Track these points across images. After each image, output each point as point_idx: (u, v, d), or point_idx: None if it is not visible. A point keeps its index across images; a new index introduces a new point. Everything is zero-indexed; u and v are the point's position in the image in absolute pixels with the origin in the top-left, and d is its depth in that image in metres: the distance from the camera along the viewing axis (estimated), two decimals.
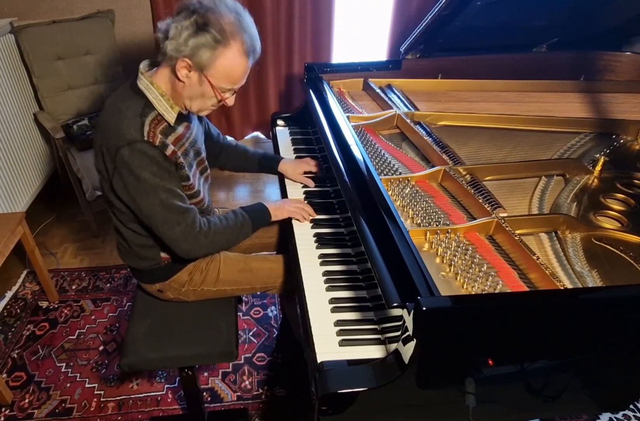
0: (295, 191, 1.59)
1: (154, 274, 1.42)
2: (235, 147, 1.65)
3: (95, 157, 1.26)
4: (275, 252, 1.73)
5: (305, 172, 1.65)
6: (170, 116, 1.22)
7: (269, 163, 1.66)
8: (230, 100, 1.25)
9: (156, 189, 1.18)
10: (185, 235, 1.24)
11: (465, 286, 1.06)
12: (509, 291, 1.03)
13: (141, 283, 1.48)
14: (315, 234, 1.39)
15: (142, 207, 1.21)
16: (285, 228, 1.46)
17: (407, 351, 0.89)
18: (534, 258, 1.06)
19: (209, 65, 1.13)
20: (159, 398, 1.79)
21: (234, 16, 1.12)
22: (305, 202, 1.50)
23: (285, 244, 1.48)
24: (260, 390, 1.82)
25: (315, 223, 1.44)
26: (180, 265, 1.42)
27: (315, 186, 1.61)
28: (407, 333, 0.89)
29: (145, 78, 1.20)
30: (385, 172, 1.42)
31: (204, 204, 1.40)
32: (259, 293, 2.18)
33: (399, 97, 1.83)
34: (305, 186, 1.61)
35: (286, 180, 1.65)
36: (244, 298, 2.22)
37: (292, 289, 1.41)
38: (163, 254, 1.39)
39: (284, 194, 1.60)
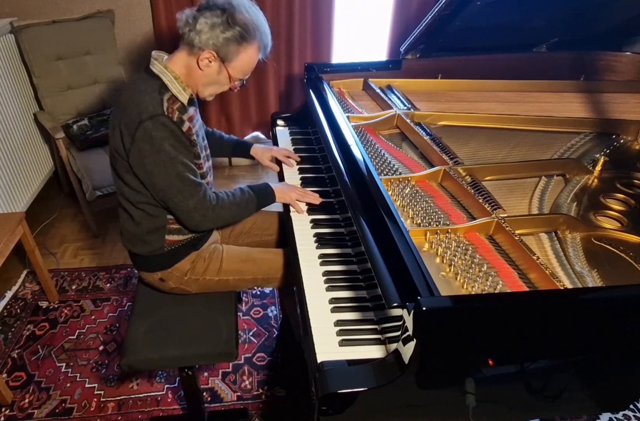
0: (288, 172, 1.61)
1: (156, 262, 1.43)
2: (212, 132, 1.70)
3: (111, 135, 1.30)
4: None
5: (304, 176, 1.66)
6: (183, 97, 1.30)
7: (242, 147, 1.75)
8: (237, 88, 1.38)
9: (174, 161, 1.24)
10: (197, 207, 1.30)
11: (465, 286, 1.06)
12: (509, 291, 1.03)
13: (142, 271, 1.48)
14: (315, 234, 1.39)
15: (158, 180, 1.26)
16: (286, 227, 1.46)
17: (407, 351, 0.89)
18: (534, 258, 1.06)
19: (231, 58, 1.27)
20: (159, 398, 1.79)
21: (254, 15, 1.26)
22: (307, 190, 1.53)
23: (285, 242, 1.48)
24: (260, 390, 1.82)
25: (315, 223, 1.44)
26: (182, 253, 1.44)
27: (315, 186, 1.61)
28: (407, 333, 0.89)
29: (159, 63, 1.29)
30: (385, 172, 1.42)
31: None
32: (259, 288, 2.19)
33: (398, 97, 1.83)
34: (305, 185, 1.61)
35: (286, 180, 1.65)
36: (243, 298, 2.22)
37: (292, 283, 1.41)
38: (168, 237, 1.40)
39: None
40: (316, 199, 1.48)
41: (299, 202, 1.48)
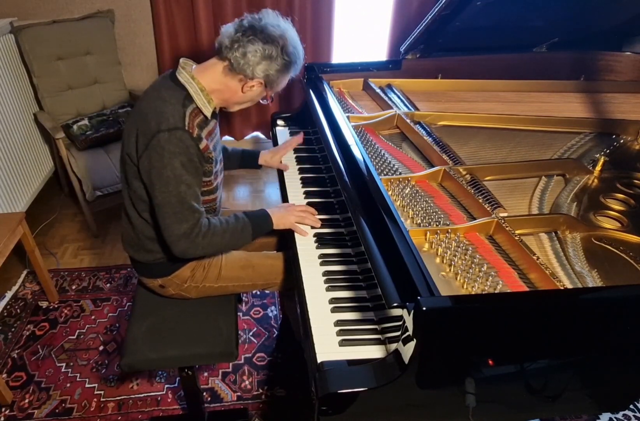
0: (295, 191, 1.59)
1: (156, 269, 1.42)
2: None
3: (124, 142, 1.28)
4: (275, 250, 1.73)
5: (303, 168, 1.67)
6: (207, 110, 1.28)
7: (249, 157, 1.71)
8: (270, 103, 1.40)
9: (178, 180, 1.21)
10: (187, 233, 1.25)
11: (465, 286, 1.06)
12: (509, 291, 1.03)
13: (143, 277, 1.48)
14: (315, 234, 1.39)
15: (158, 195, 1.22)
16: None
17: (407, 351, 0.89)
18: (534, 258, 1.06)
19: (277, 85, 1.30)
20: (159, 398, 1.79)
21: (298, 43, 1.27)
22: (308, 207, 1.46)
23: (285, 244, 1.48)
24: (260, 390, 1.82)
25: None
26: (183, 261, 1.42)
27: (315, 186, 1.61)
28: (407, 333, 0.89)
29: (187, 72, 1.26)
30: (385, 172, 1.42)
31: (216, 204, 1.42)
32: (259, 291, 2.19)
33: (399, 97, 1.83)
34: (305, 185, 1.61)
35: (286, 181, 1.65)
36: (243, 298, 2.22)
37: (292, 286, 1.41)
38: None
39: (283, 194, 1.60)
40: (316, 223, 1.41)
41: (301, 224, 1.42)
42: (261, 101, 1.37)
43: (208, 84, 1.27)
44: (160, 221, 1.26)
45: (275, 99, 3.01)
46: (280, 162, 1.71)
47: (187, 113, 1.22)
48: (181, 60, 1.29)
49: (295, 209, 1.43)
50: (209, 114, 1.28)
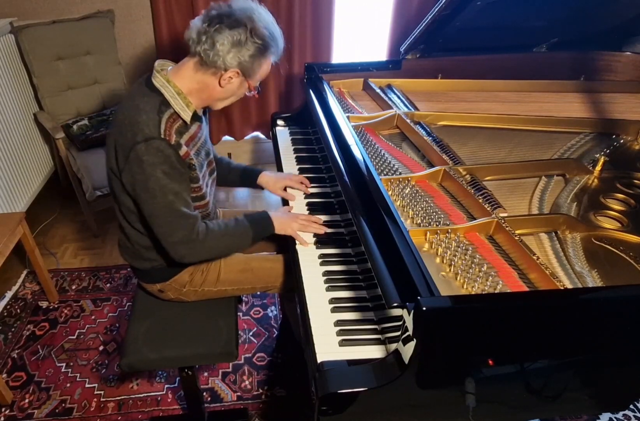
0: (296, 192, 1.59)
1: (155, 275, 1.42)
2: (220, 159, 1.60)
3: (107, 154, 1.25)
4: (275, 252, 1.73)
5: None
6: (186, 114, 1.23)
7: (249, 176, 1.64)
8: (256, 95, 1.33)
9: (164, 189, 1.18)
10: (184, 241, 1.24)
11: (465, 286, 1.06)
12: (509, 291, 1.03)
13: (142, 282, 1.48)
14: (316, 235, 1.38)
15: (147, 206, 1.20)
16: None
17: (407, 351, 0.89)
18: (534, 258, 1.06)
19: (254, 72, 1.22)
20: (159, 398, 1.79)
21: (270, 24, 1.19)
22: (312, 216, 1.43)
23: (285, 244, 1.48)
24: (260, 390, 1.82)
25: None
26: (180, 266, 1.41)
27: (315, 187, 1.61)
28: (407, 333, 0.89)
29: (161, 76, 1.21)
30: (385, 172, 1.42)
31: (208, 209, 1.40)
32: (259, 292, 2.19)
33: (399, 97, 1.83)
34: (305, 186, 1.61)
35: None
36: (244, 298, 2.22)
37: (292, 288, 1.41)
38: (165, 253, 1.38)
39: None
40: (320, 229, 1.38)
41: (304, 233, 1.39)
42: (247, 93, 1.30)
43: (185, 85, 1.21)
44: (155, 231, 1.24)
45: (275, 99, 3.02)
46: (285, 190, 1.60)
47: (163, 120, 1.17)
48: (156, 63, 1.25)
49: (299, 217, 1.41)
50: (188, 119, 1.23)
